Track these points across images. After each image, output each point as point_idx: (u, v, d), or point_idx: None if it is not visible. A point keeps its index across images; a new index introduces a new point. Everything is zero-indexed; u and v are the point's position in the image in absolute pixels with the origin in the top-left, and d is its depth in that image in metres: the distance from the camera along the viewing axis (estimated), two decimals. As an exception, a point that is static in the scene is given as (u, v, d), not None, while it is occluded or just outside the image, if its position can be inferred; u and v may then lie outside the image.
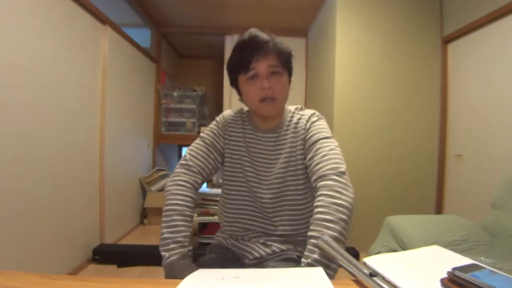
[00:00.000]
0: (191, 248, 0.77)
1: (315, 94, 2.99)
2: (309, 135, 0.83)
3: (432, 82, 2.37)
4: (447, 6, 2.30)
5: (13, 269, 0.55)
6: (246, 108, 0.95)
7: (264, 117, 0.88)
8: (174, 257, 0.72)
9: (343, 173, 0.72)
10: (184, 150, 4.67)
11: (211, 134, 0.90)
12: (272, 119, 0.89)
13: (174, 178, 0.84)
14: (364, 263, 0.52)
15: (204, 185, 2.70)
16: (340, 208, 0.66)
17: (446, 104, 2.33)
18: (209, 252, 0.91)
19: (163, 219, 0.78)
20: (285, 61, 0.85)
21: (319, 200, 0.69)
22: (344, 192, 0.69)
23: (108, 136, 2.28)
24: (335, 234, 0.63)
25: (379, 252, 1.52)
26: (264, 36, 0.82)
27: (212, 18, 3.15)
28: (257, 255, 0.85)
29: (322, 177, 0.73)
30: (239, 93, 0.89)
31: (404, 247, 1.42)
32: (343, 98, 2.33)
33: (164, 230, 0.76)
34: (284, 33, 3.27)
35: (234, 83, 0.88)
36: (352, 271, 0.51)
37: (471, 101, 2.06)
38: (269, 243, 0.86)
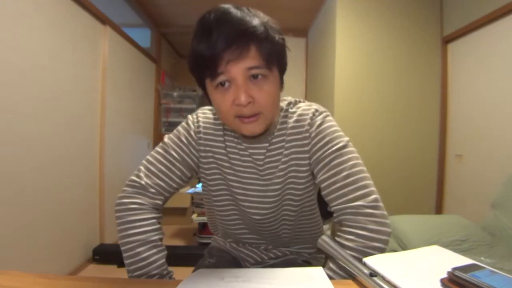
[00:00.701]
0: (171, 273, 0.64)
1: (315, 94, 2.99)
2: (319, 145, 0.63)
3: (432, 82, 2.37)
4: (447, 6, 2.30)
5: (13, 269, 0.55)
6: None
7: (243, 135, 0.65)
8: None
9: (376, 201, 0.56)
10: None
11: (178, 143, 0.68)
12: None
13: (123, 201, 0.66)
14: (364, 263, 0.52)
15: (204, 185, 2.70)
16: (376, 252, 0.54)
17: (446, 104, 2.33)
18: (208, 255, 0.86)
19: (124, 254, 0.62)
20: (275, 55, 0.57)
21: (350, 240, 0.55)
22: (381, 229, 0.55)
23: (108, 136, 2.28)
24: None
25: (379, 252, 1.52)
26: (239, 18, 0.52)
27: (212, 18, 3.15)
28: (258, 259, 0.79)
29: (350, 209, 0.57)
30: (208, 100, 0.63)
31: (404, 247, 1.42)
32: (343, 98, 2.33)
33: (131, 268, 0.60)
34: (284, 33, 3.27)
35: (201, 85, 0.62)
36: (352, 271, 0.51)
37: (471, 101, 2.06)
38: (269, 247, 0.80)
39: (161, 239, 0.65)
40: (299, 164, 0.66)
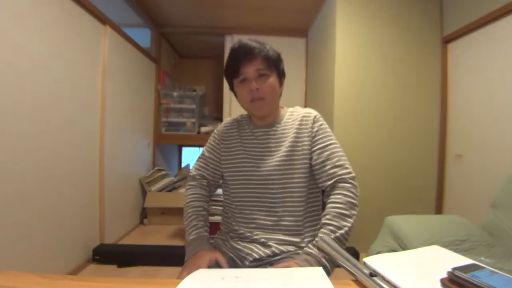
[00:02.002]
0: (207, 228, 0.93)
1: (315, 94, 2.99)
2: (319, 137, 0.91)
3: (432, 82, 2.37)
4: (447, 6, 2.30)
5: (13, 269, 0.55)
6: (244, 113, 1.04)
7: (258, 118, 0.96)
8: (192, 237, 0.88)
9: (354, 178, 0.87)
10: (184, 150, 4.63)
11: (208, 146, 1.03)
12: (265, 117, 0.95)
13: (187, 186, 1.02)
14: (364, 263, 0.52)
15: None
16: (354, 207, 0.82)
17: (446, 104, 2.33)
18: None
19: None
20: (273, 63, 0.91)
21: (338, 198, 0.82)
22: (357, 194, 0.84)
23: (108, 136, 2.28)
24: (349, 225, 0.79)
25: (379, 252, 1.52)
26: (251, 43, 0.89)
27: (212, 18, 3.15)
28: (256, 256, 0.84)
29: (340, 180, 0.85)
30: (236, 96, 0.97)
31: (404, 247, 1.42)
32: (343, 98, 2.33)
33: (184, 222, 0.94)
34: (284, 33, 3.27)
35: (231, 87, 0.97)
36: (352, 271, 0.51)
37: (471, 101, 2.06)
38: (269, 243, 0.85)
39: (202, 206, 0.96)
40: (303, 144, 0.91)
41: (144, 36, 3.28)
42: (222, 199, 1.04)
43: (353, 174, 0.86)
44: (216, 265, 0.81)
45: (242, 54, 0.88)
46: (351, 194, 0.83)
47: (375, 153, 2.35)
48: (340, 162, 0.87)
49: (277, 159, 0.90)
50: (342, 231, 0.77)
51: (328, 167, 0.86)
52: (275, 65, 0.92)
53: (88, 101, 2.07)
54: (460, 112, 2.19)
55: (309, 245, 0.78)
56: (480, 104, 1.96)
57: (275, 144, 0.93)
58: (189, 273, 0.61)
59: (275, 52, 0.93)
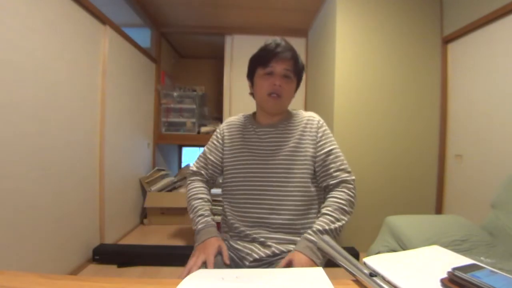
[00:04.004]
0: (211, 219, 0.95)
1: (315, 94, 2.99)
2: (323, 142, 0.97)
3: (432, 82, 2.37)
4: (447, 6, 2.30)
5: (13, 269, 0.55)
6: (247, 113, 1.09)
7: (268, 113, 0.99)
8: (200, 226, 0.93)
9: (354, 180, 0.96)
10: (184, 150, 4.62)
11: (210, 143, 1.08)
12: (275, 115, 0.99)
13: (187, 182, 1.08)
14: (364, 263, 0.52)
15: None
16: (352, 205, 0.92)
17: (446, 104, 2.33)
18: None
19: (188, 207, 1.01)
20: (298, 70, 0.97)
21: (341, 194, 0.90)
22: (355, 192, 0.94)
23: (108, 136, 2.28)
24: (346, 220, 0.88)
25: (379, 252, 1.52)
26: (290, 45, 0.96)
27: (212, 18, 3.15)
28: (256, 256, 0.85)
29: (344, 181, 0.93)
30: (252, 85, 1.02)
31: (404, 247, 1.42)
32: (343, 98, 2.33)
33: (190, 214, 0.99)
34: (284, 33, 3.27)
35: (251, 75, 1.01)
36: (352, 271, 0.51)
37: (471, 101, 2.06)
38: (268, 243, 0.87)
39: (204, 197, 1.00)
40: (307, 145, 0.97)
41: (144, 36, 3.28)
42: (222, 199, 1.07)
43: (354, 177, 0.95)
44: (220, 264, 0.83)
45: (278, 50, 0.92)
46: (352, 194, 0.92)
47: (375, 153, 2.35)
48: (343, 166, 0.95)
49: (280, 157, 0.94)
50: (340, 224, 0.85)
51: (333, 169, 0.93)
52: (299, 73, 0.98)
53: (88, 101, 2.07)
54: (460, 112, 2.19)
55: (310, 231, 0.83)
56: (480, 104, 1.96)
57: (277, 144, 0.96)
58: (198, 257, 0.81)
59: (302, 63, 1.01)
